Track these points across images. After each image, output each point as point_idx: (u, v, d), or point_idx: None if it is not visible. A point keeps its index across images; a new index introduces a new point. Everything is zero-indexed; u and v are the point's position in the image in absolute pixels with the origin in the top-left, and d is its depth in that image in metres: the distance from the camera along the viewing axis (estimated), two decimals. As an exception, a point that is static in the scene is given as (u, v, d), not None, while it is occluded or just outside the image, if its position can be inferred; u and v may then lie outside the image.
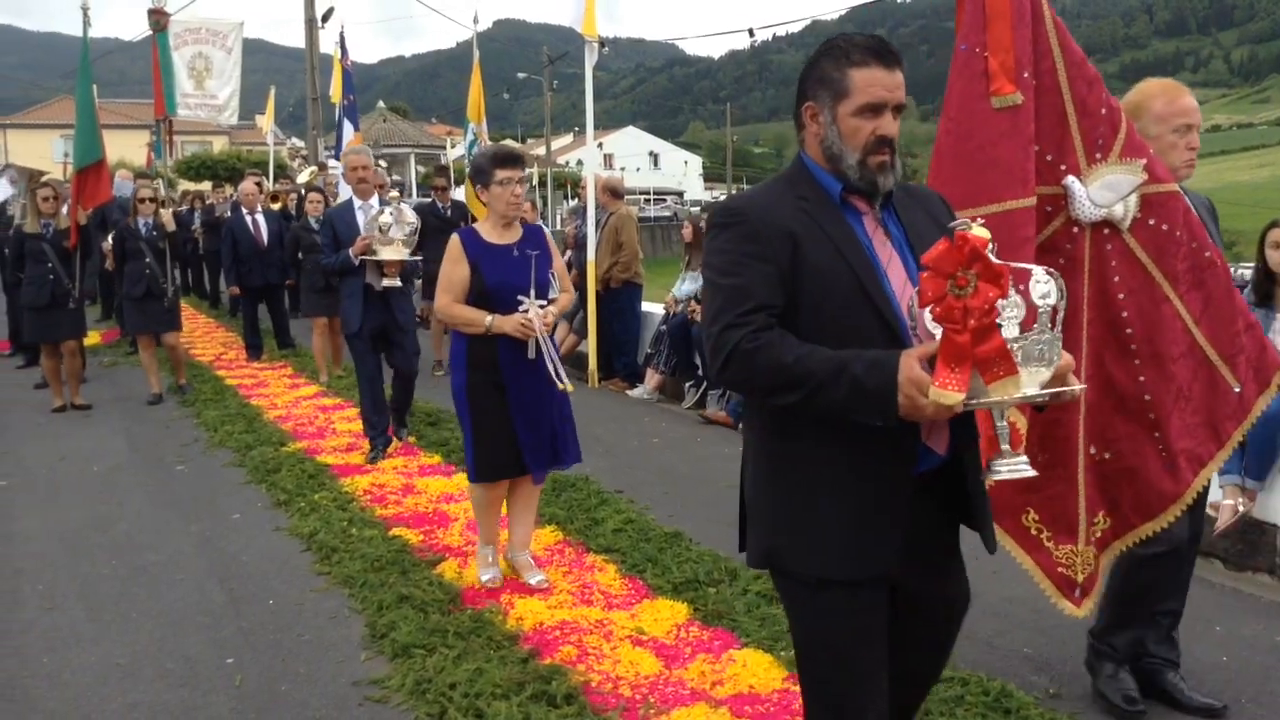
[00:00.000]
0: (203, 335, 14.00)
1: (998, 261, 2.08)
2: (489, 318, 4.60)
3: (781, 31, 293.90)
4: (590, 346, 10.34)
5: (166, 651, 4.36)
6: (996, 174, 3.32)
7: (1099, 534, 3.53)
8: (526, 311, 4.62)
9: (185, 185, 15.93)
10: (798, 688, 3.82)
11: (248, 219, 11.99)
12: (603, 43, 11.52)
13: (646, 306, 10.52)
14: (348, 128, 14.18)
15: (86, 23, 11.05)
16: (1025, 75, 3.33)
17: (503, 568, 5.04)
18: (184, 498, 6.62)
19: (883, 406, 2.14)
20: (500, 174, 4.65)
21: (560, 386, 4.70)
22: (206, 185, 25.17)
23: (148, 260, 9.49)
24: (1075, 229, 3.40)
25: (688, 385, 9.69)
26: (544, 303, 4.70)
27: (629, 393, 9.86)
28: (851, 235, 2.36)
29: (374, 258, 7.00)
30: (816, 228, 2.34)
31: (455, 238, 4.75)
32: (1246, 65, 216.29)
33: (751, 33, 22.51)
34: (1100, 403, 3.42)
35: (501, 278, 4.65)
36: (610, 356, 10.46)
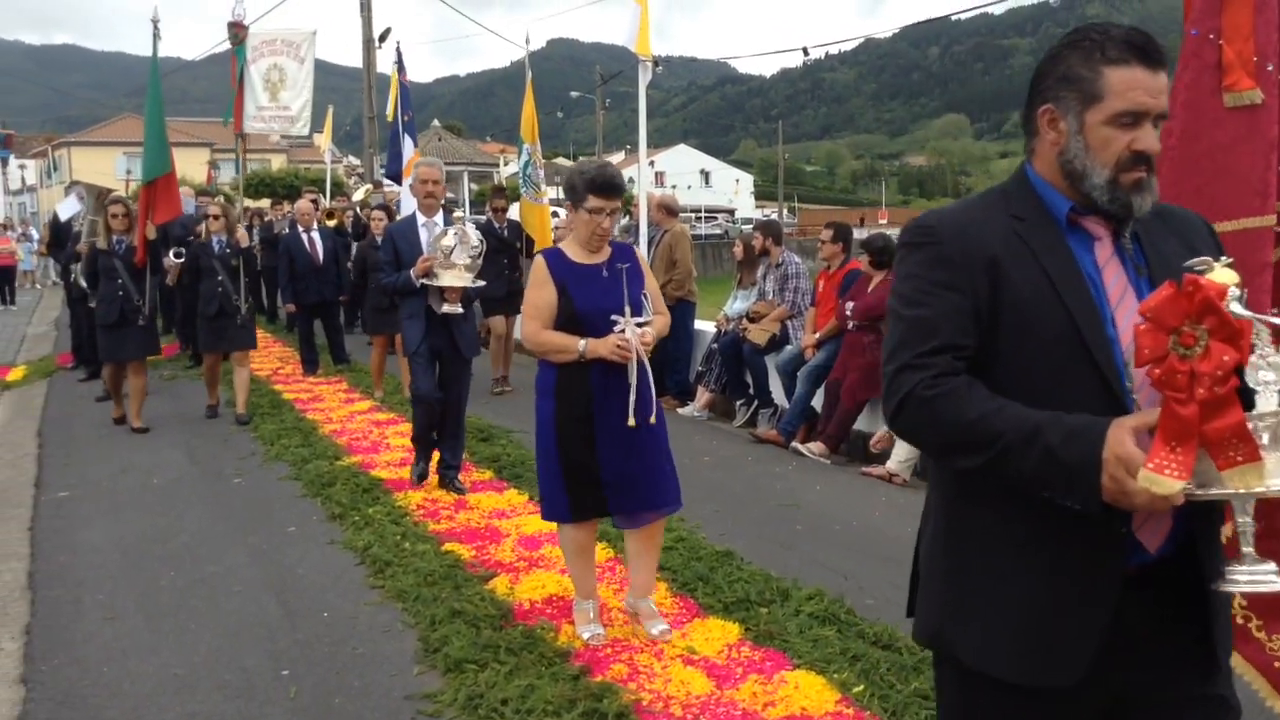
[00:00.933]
0: (260, 350, 14.11)
1: (1242, 313, 1.69)
2: (582, 343, 4.21)
3: (834, 50, 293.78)
4: (642, 364, 10.35)
5: (224, 663, 4.42)
6: (1228, 185, 2.80)
7: None
8: (622, 332, 4.25)
9: (245, 202, 16.04)
10: (850, 711, 3.81)
11: (303, 236, 12.09)
12: (656, 61, 11.60)
13: (698, 324, 10.52)
14: (407, 144, 13.79)
15: (157, 35, 10.88)
16: (1269, 69, 2.80)
17: (607, 615, 4.70)
18: (241, 510, 6.72)
19: (1081, 487, 1.75)
20: (593, 201, 4.27)
21: (630, 421, 4.23)
22: (265, 202, 25.52)
23: (220, 278, 9.38)
24: None
25: (738, 404, 9.67)
26: (641, 320, 4.32)
27: (680, 410, 9.86)
28: (1072, 266, 1.95)
29: (434, 282, 6.59)
30: (1028, 254, 1.95)
31: (540, 259, 4.43)
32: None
33: (806, 51, 22.45)
34: None
35: (591, 300, 4.28)
36: (662, 374, 10.45)
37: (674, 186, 71.88)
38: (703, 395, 9.84)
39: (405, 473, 7.38)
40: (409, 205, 11.54)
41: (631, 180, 11.94)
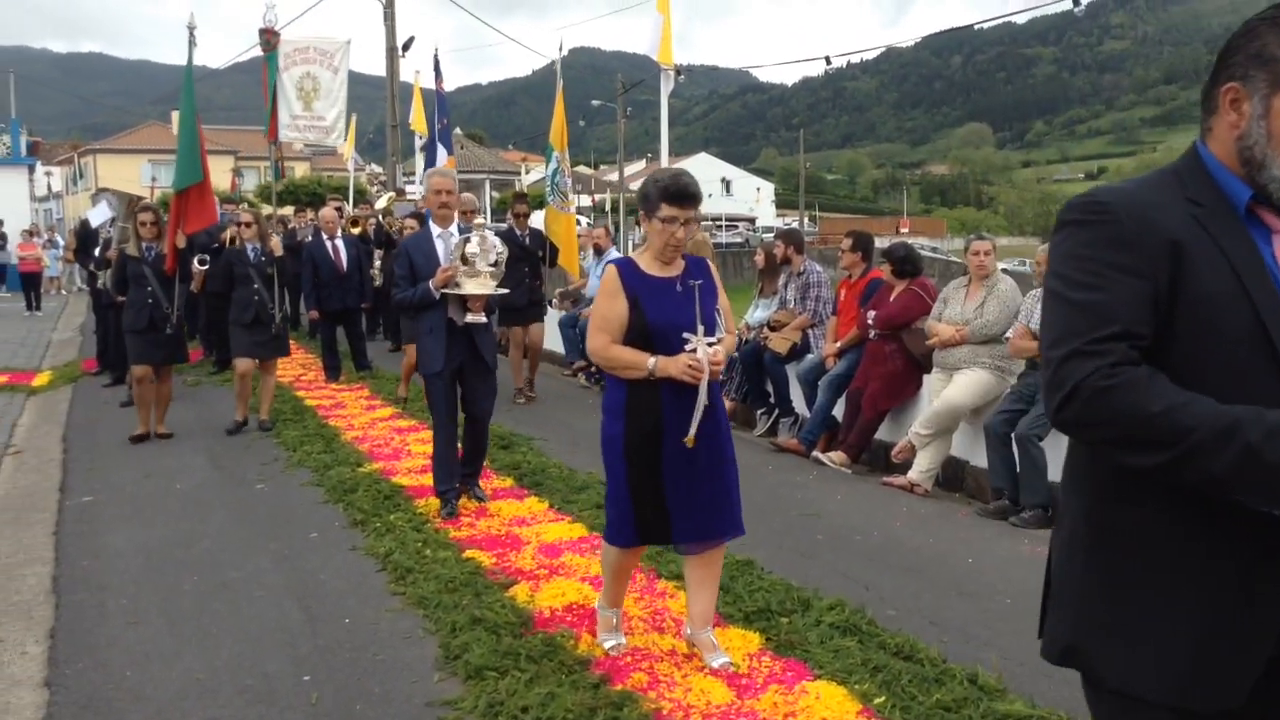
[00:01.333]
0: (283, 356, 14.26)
1: None
2: (651, 360, 4.00)
3: (856, 59, 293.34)
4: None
5: (245, 668, 4.44)
6: None
7: None
8: (694, 351, 4.01)
9: (267, 209, 15.99)
10: (872, 721, 3.79)
11: (328, 244, 12.16)
12: (678, 70, 11.61)
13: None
14: (440, 152, 13.66)
15: (192, 42, 10.77)
16: None
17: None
18: (264, 516, 6.76)
19: None
20: (666, 210, 4.04)
21: (686, 439, 4.01)
22: (289, 210, 25.69)
23: (256, 286, 9.36)
24: None
25: (759, 412, 9.66)
26: (713, 340, 4.09)
27: (701, 419, 9.84)
28: (1258, 260, 1.80)
29: (457, 292, 6.35)
30: (1210, 242, 1.79)
31: (612, 269, 4.18)
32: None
33: (828, 60, 22.41)
34: None
35: (664, 315, 4.06)
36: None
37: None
38: (724, 404, 9.81)
39: (426, 480, 7.38)
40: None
41: None
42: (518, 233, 10.92)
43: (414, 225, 11.06)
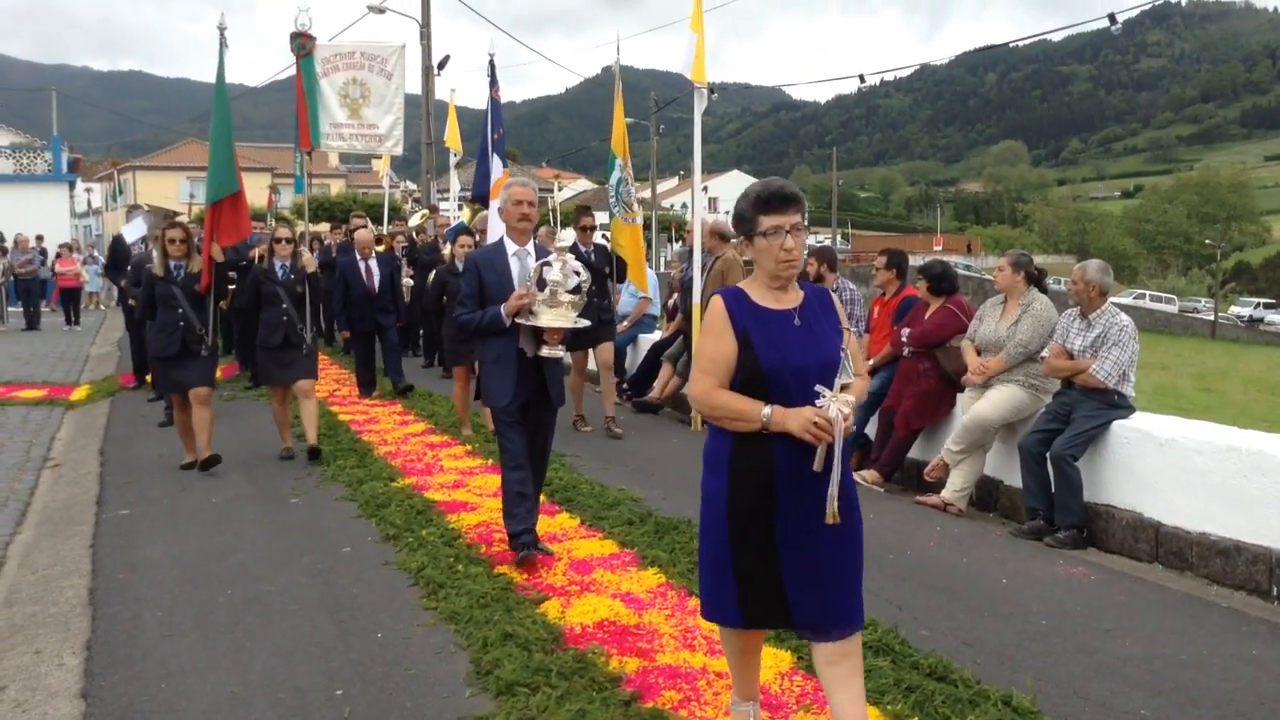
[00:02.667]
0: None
1: None
2: (766, 409, 3.32)
3: (890, 76, 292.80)
4: (694, 389, 10.33)
5: (279, 681, 4.46)
6: None
7: None
8: (825, 407, 3.28)
9: (301, 226, 15.93)
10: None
11: (360, 264, 12.11)
12: (712, 89, 11.60)
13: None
14: (495, 164, 12.63)
15: (223, 44, 9.91)
16: None
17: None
18: (297, 530, 6.80)
19: None
20: (766, 221, 3.44)
21: (830, 518, 3.32)
22: (324, 226, 25.90)
23: (285, 306, 8.81)
24: None
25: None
26: (846, 400, 3.33)
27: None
28: None
29: (533, 322, 5.68)
30: None
31: (717, 302, 3.51)
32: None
33: (863, 79, 22.37)
34: None
35: (780, 355, 3.39)
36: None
37: (727, 212, 71.71)
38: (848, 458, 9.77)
39: (459, 495, 7.43)
40: (497, 228, 10.80)
41: (685, 205, 11.82)
42: (582, 248, 9.84)
43: (469, 242, 10.59)
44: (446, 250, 13.40)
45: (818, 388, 3.32)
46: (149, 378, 12.01)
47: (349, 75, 13.86)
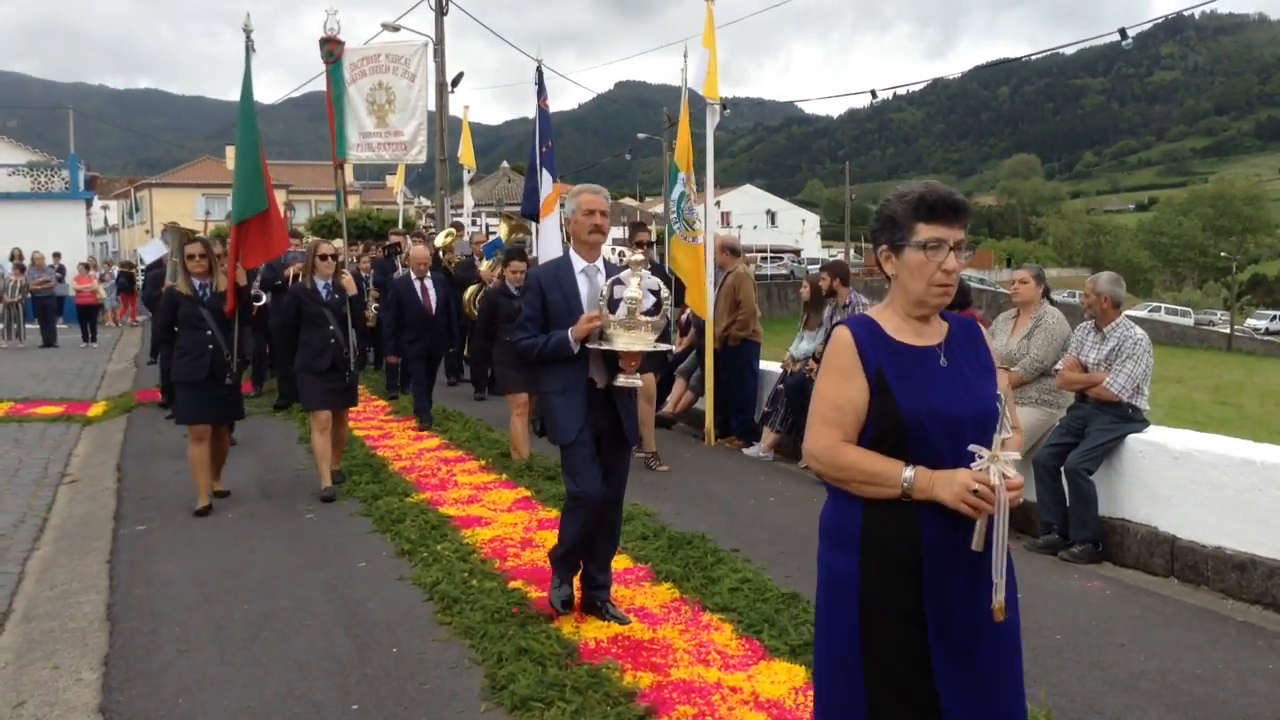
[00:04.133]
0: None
1: None
2: (908, 471, 2.63)
3: (903, 90, 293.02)
4: (708, 404, 10.36)
5: (295, 696, 4.49)
6: None
7: None
8: (984, 470, 2.58)
9: (337, 244, 15.53)
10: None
11: (416, 284, 11.30)
12: (724, 104, 11.63)
13: (764, 365, 10.51)
14: (545, 178, 11.47)
15: (250, 48, 9.08)
16: None
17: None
18: (313, 545, 6.83)
19: None
20: (926, 231, 2.75)
21: (997, 613, 2.65)
22: (338, 243, 26.00)
23: (331, 328, 8.21)
24: None
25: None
26: (1010, 460, 2.60)
27: (745, 451, 9.83)
28: None
29: (608, 347, 4.98)
30: None
31: (843, 334, 2.78)
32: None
33: (874, 94, 22.36)
34: None
35: (924, 402, 2.69)
36: (727, 414, 10.46)
37: (740, 227, 72.05)
38: (768, 436, 9.81)
39: (473, 510, 7.45)
40: (550, 247, 10.64)
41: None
42: None
43: (521, 267, 9.81)
44: (483, 267, 13.11)
45: (973, 447, 2.61)
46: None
47: (375, 80, 13.00)
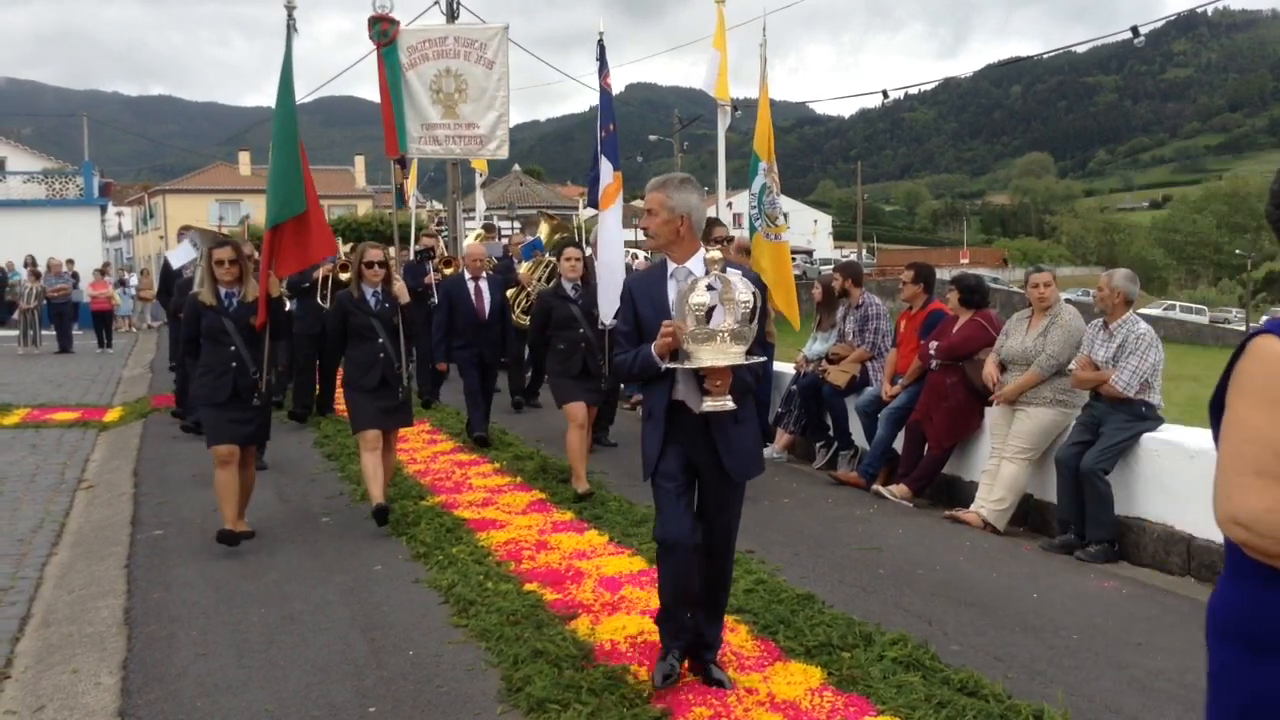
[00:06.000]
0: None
1: None
2: None
3: (914, 90, 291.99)
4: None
5: (313, 699, 4.50)
6: None
7: None
8: None
9: (386, 251, 14.41)
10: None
11: (469, 285, 10.32)
12: (735, 105, 11.62)
13: (777, 366, 10.49)
14: (605, 166, 9.88)
15: (291, 27, 7.71)
16: None
17: None
18: (329, 549, 6.85)
19: None
20: None
21: None
22: (347, 247, 25.99)
23: (381, 341, 7.40)
24: None
25: (818, 445, 9.62)
26: None
27: (760, 452, 9.81)
28: None
29: (686, 364, 4.19)
30: None
31: (1271, 345, 1.98)
32: None
33: (886, 94, 22.34)
34: None
35: None
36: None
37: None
38: (782, 437, 9.80)
39: (488, 513, 7.46)
40: (611, 243, 9.28)
41: None
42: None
43: (576, 254, 8.92)
44: (522, 269, 12.53)
45: None
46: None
47: (441, 65, 11.60)
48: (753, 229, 9.82)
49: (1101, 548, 6.60)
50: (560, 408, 8.54)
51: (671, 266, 4.45)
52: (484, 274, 10.45)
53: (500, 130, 11.97)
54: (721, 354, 4.13)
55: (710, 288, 4.15)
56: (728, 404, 4.20)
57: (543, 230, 14.09)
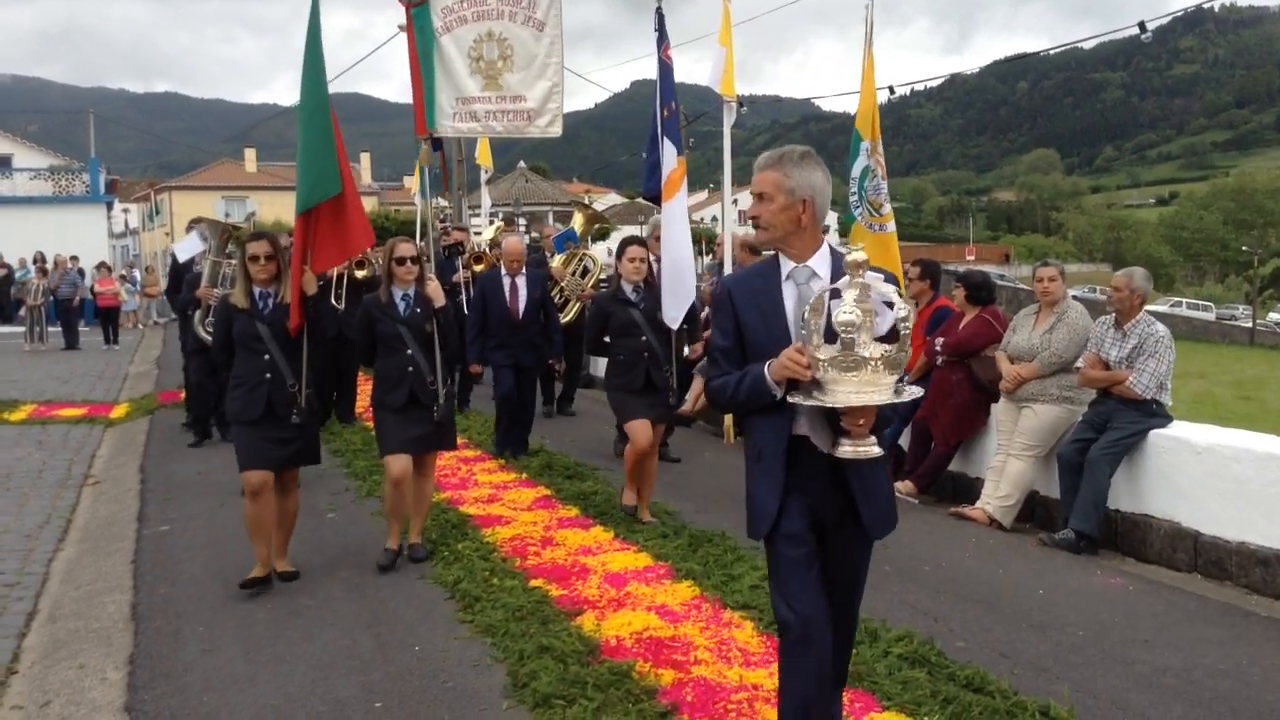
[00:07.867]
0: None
1: None
2: None
3: (920, 86, 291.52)
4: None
5: (319, 694, 4.51)
6: None
7: None
8: None
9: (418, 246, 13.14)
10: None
11: (505, 282, 9.41)
12: (740, 102, 11.62)
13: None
14: (668, 151, 8.43)
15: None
16: None
17: None
18: (335, 545, 6.86)
19: None
20: None
21: None
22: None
23: (409, 352, 6.34)
24: None
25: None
26: None
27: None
28: None
29: (820, 400, 3.17)
30: None
31: None
32: None
33: (892, 90, 22.26)
34: None
35: None
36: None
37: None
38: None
39: (494, 509, 7.46)
40: (677, 238, 8.08)
41: (715, 219, 11.53)
42: None
43: (641, 253, 7.56)
44: (554, 263, 12.01)
45: None
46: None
47: (482, 28, 10.09)
48: (851, 218, 8.76)
49: (1071, 536, 6.60)
50: (620, 426, 7.79)
51: (788, 265, 3.41)
52: (521, 271, 9.48)
53: (553, 103, 10.35)
54: (871, 386, 3.13)
55: (855, 299, 3.12)
56: (873, 449, 3.26)
57: (577, 221, 13.24)
